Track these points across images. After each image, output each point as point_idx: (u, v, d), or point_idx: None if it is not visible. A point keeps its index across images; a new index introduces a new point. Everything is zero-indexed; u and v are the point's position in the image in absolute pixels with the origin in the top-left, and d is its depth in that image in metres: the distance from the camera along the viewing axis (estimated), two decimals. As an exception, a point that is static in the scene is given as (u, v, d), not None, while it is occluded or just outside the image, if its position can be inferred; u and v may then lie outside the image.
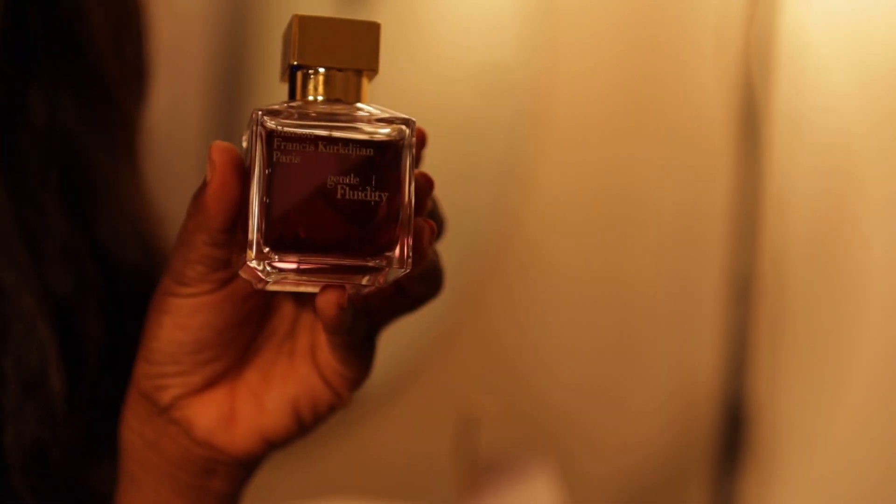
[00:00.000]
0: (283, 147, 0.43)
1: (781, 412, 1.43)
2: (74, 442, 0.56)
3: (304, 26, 0.45)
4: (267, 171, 0.43)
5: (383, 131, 0.44)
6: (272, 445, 0.50)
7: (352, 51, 0.46)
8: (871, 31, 1.39)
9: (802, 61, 1.39)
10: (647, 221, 1.49)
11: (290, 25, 0.46)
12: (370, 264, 0.43)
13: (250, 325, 0.49)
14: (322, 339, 0.49)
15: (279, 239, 0.43)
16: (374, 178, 0.43)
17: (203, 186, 0.45)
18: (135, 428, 0.49)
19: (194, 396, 0.48)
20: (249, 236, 0.43)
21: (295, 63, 0.45)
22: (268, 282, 0.44)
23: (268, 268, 0.43)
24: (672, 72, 1.47)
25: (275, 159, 0.43)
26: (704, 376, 1.44)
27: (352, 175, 0.43)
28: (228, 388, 0.49)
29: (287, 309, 0.50)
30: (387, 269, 0.43)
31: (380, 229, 0.43)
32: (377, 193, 0.43)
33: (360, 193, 0.43)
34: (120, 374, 0.58)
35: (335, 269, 0.43)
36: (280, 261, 0.43)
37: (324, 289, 0.44)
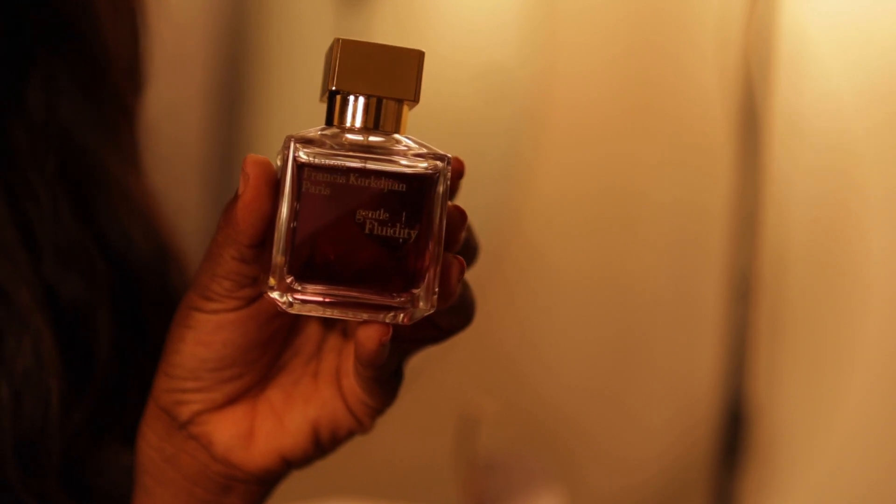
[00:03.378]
0: (312, 177, 0.42)
1: (781, 412, 1.43)
2: (75, 437, 0.56)
3: (346, 51, 0.44)
4: (296, 205, 0.42)
5: (420, 165, 0.43)
6: (290, 464, 0.49)
7: (393, 79, 0.45)
8: (871, 32, 1.39)
9: (802, 61, 1.39)
10: (647, 222, 1.49)
11: (331, 48, 0.45)
12: (394, 303, 0.42)
13: (275, 344, 0.48)
14: (348, 366, 0.48)
15: (303, 267, 0.42)
16: (404, 214, 0.42)
17: (234, 199, 0.44)
18: (153, 442, 0.49)
19: (214, 413, 0.47)
20: (272, 264, 0.42)
21: (333, 88, 0.44)
22: (291, 306, 0.43)
23: (289, 299, 0.42)
24: (672, 72, 1.47)
25: (304, 189, 0.42)
26: (704, 376, 1.44)
27: (382, 210, 0.42)
28: (249, 405, 0.48)
29: (314, 329, 0.50)
30: (411, 308, 0.43)
31: (407, 266, 0.42)
32: (406, 230, 0.42)
33: (388, 229, 0.42)
34: (132, 371, 0.57)
35: (359, 305, 0.42)
36: (302, 293, 0.42)
37: (366, 323, 0.43)
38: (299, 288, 0.42)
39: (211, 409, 0.47)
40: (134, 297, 0.61)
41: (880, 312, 1.40)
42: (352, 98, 0.44)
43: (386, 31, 1.45)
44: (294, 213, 0.42)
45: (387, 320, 0.43)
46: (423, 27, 1.48)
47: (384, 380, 0.47)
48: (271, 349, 0.48)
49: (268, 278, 0.43)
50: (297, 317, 0.48)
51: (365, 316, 0.43)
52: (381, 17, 1.45)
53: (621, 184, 1.48)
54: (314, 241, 0.42)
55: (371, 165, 0.43)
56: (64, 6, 0.59)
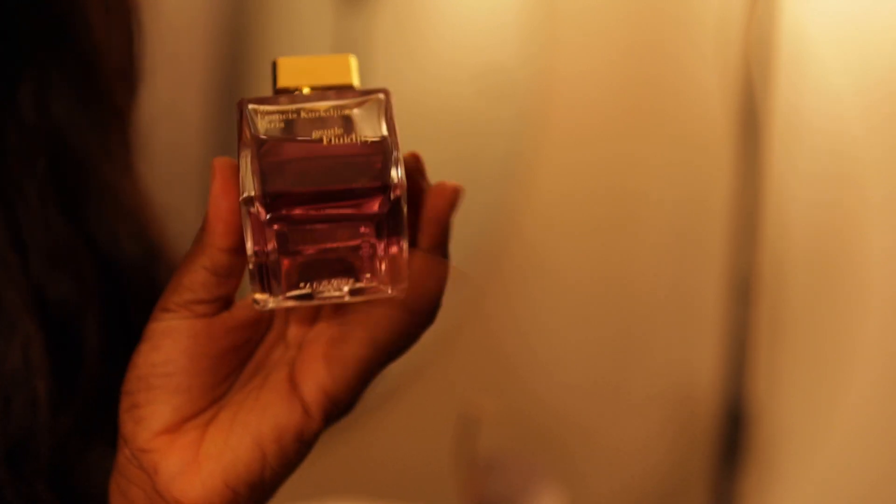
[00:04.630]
0: (266, 117, 0.44)
1: (781, 412, 1.43)
2: (64, 439, 0.56)
3: (285, 62, 0.48)
4: (256, 138, 0.44)
5: (362, 94, 0.46)
6: (235, 492, 0.47)
7: (331, 74, 0.48)
8: (871, 32, 1.39)
9: (802, 61, 1.39)
10: (647, 222, 1.49)
11: (272, 69, 0.48)
12: (377, 184, 0.44)
13: (229, 363, 0.48)
14: (318, 349, 0.47)
15: (279, 197, 0.43)
16: (356, 128, 0.44)
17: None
18: (115, 476, 0.49)
19: (165, 437, 0.47)
20: (244, 192, 0.43)
21: (278, 87, 0.47)
22: (277, 296, 0.44)
23: (269, 196, 0.43)
24: (672, 72, 1.47)
25: (259, 126, 0.44)
26: (704, 376, 1.44)
27: (336, 127, 0.44)
28: (199, 433, 0.47)
29: (273, 355, 0.49)
30: (393, 189, 0.44)
31: (374, 163, 0.44)
32: (364, 138, 0.44)
33: (346, 139, 0.44)
34: (120, 374, 0.57)
35: (342, 195, 0.44)
36: (283, 211, 0.43)
37: (438, 184, 0.46)
38: (275, 200, 0.43)
39: (161, 430, 0.47)
40: (123, 300, 0.61)
41: (880, 312, 1.40)
42: (296, 91, 0.47)
43: (386, 31, 1.45)
44: (257, 145, 0.43)
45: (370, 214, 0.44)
46: (423, 27, 1.48)
47: (440, 258, 0.47)
48: (224, 367, 0.48)
49: (251, 264, 0.44)
50: (253, 344, 0.49)
51: (352, 236, 0.44)
52: (381, 17, 1.45)
53: (621, 184, 1.48)
54: (280, 162, 0.44)
55: (319, 98, 0.45)
56: (54, 5, 0.59)
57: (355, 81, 0.47)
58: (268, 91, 0.48)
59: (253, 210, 0.43)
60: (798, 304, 1.42)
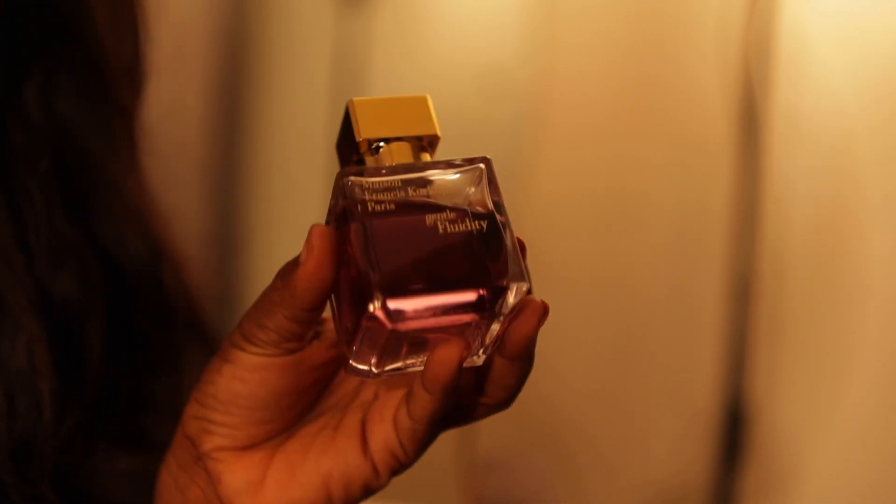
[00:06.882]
0: (375, 198, 0.43)
1: (781, 412, 1.43)
2: (68, 439, 0.56)
3: (362, 106, 0.46)
4: (367, 225, 0.42)
5: (464, 167, 0.45)
6: None
7: (411, 121, 0.46)
8: (871, 32, 1.39)
9: (802, 61, 1.40)
10: (648, 221, 1.49)
11: (347, 109, 0.46)
12: (500, 283, 0.42)
13: (309, 396, 0.48)
14: (385, 413, 0.47)
15: (394, 280, 0.42)
16: (469, 209, 0.43)
17: (294, 264, 0.44)
18: (172, 470, 0.49)
19: (232, 452, 0.47)
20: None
21: (361, 139, 0.46)
22: (377, 372, 0.43)
23: (390, 307, 0.41)
24: (672, 72, 1.47)
25: (370, 209, 0.43)
26: (704, 376, 1.44)
27: (448, 210, 0.43)
28: (267, 454, 0.48)
29: (346, 388, 0.50)
30: (510, 285, 0.42)
31: (488, 257, 0.43)
32: (477, 223, 0.44)
33: (460, 225, 0.43)
34: (125, 374, 0.57)
35: (461, 308, 0.42)
36: (401, 310, 0.42)
37: (443, 344, 0.43)
38: (395, 307, 0.42)
39: (231, 447, 0.47)
40: (127, 300, 0.61)
41: (880, 312, 1.41)
42: (376, 145, 0.46)
43: (386, 31, 1.45)
44: (364, 234, 0.42)
45: (486, 322, 0.43)
46: (423, 27, 1.48)
47: (439, 417, 0.46)
48: (304, 400, 0.48)
49: (349, 353, 0.43)
50: (335, 372, 0.49)
51: (468, 319, 0.42)
52: (381, 17, 1.45)
53: (621, 184, 1.48)
54: (396, 252, 0.42)
55: (426, 174, 0.44)
56: (60, 5, 0.59)
57: (436, 129, 0.46)
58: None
59: (372, 324, 0.42)
60: (798, 304, 1.43)
